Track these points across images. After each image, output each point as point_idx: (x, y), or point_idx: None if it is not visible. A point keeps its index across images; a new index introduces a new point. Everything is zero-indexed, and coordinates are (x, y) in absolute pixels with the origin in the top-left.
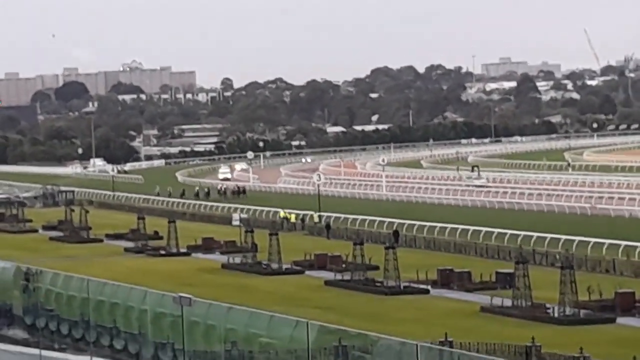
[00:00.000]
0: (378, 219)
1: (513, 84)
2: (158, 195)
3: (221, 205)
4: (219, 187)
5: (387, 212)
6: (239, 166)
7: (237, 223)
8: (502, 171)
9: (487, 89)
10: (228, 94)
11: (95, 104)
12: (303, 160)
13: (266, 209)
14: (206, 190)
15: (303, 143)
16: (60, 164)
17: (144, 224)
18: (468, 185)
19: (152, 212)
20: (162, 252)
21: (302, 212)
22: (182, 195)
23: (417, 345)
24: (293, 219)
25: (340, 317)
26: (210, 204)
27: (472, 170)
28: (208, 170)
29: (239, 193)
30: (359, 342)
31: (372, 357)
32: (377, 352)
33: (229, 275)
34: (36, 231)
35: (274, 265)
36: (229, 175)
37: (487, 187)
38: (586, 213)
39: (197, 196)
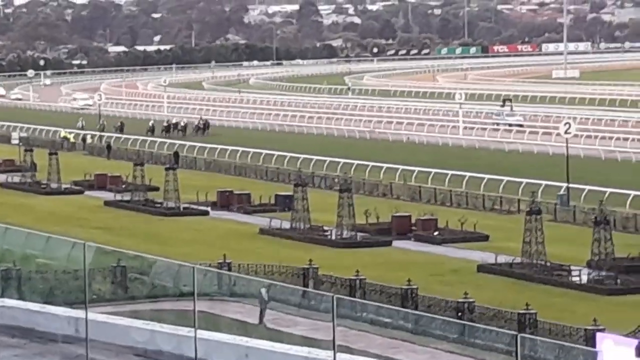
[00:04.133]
0: (159, 139)
1: (295, 7)
2: (82, 128)
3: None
4: (173, 123)
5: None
6: None
7: (16, 142)
8: (282, 94)
9: (270, 11)
10: (9, 10)
11: None
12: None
13: (46, 128)
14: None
15: (84, 62)
16: None
17: None
18: (498, 124)
19: None
20: None
21: (82, 132)
22: (119, 130)
23: (194, 267)
24: (72, 139)
25: (120, 237)
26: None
27: (504, 105)
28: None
29: (204, 129)
30: (137, 263)
31: (150, 279)
32: (155, 274)
33: (7, 194)
34: None
35: (53, 185)
36: (90, 102)
37: (522, 126)
38: (365, 137)
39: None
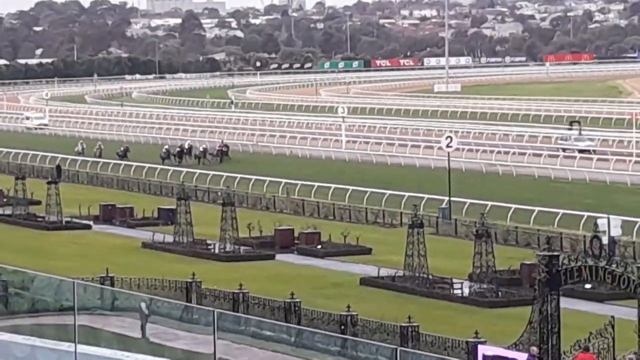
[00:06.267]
0: (40, 153)
1: (178, 20)
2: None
3: None
4: (187, 148)
5: (51, 146)
6: None
7: None
8: (165, 107)
9: (152, 24)
10: None
11: None
12: None
13: None
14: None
15: None
16: None
17: None
18: (564, 150)
19: None
20: None
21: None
22: (121, 157)
23: (74, 282)
24: None
25: (0, 252)
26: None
27: (571, 128)
28: None
29: (226, 154)
30: (17, 278)
31: (31, 294)
32: (36, 288)
33: None
34: None
35: None
36: (45, 121)
37: (594, 152)
38: (248, 151)
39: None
